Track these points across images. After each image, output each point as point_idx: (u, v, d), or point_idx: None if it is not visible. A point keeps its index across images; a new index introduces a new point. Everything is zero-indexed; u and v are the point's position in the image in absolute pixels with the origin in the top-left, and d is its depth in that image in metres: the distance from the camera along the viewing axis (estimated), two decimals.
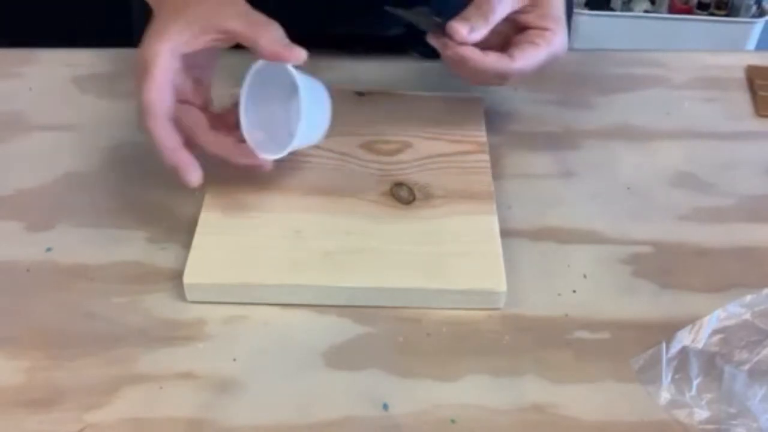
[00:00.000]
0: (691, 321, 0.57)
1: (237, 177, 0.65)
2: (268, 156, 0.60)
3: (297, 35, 0.58)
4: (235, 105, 0.60)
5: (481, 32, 0.61)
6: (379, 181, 0.66)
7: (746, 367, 0.54)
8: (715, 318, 0.57)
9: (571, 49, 0.66)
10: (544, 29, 0.63)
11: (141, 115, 0.56)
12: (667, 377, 0.54)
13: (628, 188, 0.68)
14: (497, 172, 0.67)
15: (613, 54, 0.83)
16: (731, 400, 0.53)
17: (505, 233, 0.62)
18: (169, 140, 0.57)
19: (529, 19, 0.63)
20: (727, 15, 1.96)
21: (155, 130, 0.56)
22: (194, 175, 0.58)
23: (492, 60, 0.61)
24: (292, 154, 0.61)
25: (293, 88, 0.58)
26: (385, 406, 0.53)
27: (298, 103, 0.58)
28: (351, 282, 0.58)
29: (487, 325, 0.58)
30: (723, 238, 0.64)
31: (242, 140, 0.60)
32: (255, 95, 0.61)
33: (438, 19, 0.62)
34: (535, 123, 0.74)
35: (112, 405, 0.53)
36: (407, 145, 0.69)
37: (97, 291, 0.59)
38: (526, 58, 0.62)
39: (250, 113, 0.61)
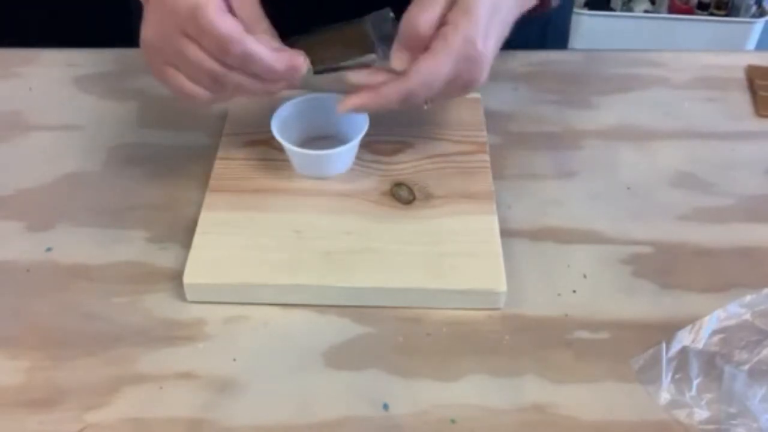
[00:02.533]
0: (691, 321, 0.57)
1: (238, 175, 0.65)
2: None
3: (296, 33, 0.58)
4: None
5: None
6: (379, 181, 0.66)
7: (746, 367, 0.54)
8: (715, 318, 0.57)
9: (571, 49, 0.65)
10: (444, 25, 0.55)
11: (190, 19, 0.53)
12: (667, 377, 0.54)
13: (628, 188, 0.68)
14: (497, 172, 0.67)
15: (613, 54, 0.83)
16: (731, 400, 0.53)
17: (505, 233, 0.62)
18: (236, 27, 0.53)
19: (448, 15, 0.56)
20: (727, 15, 1.96)
21: (216, 22, 0.52)
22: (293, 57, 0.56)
23: (389, 91, 0.57)
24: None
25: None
26: (385, 406, 0.53)
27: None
28: (351, 282, 0.58)
29: (487, 325, 0.58)
30: (723, 238, 0.64)
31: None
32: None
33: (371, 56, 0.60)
34: (535, 123, 0.74)
35: (112, 405, 0.53)
36: (407, 145, 0.69)
37: (97, 291, 0.59)
38: (421, 72, 0.56)
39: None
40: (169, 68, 0.56)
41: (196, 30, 0.53)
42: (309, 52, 0.57)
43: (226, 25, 0.53)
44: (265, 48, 0.55)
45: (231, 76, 0.55)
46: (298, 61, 0.56)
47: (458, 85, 0.57)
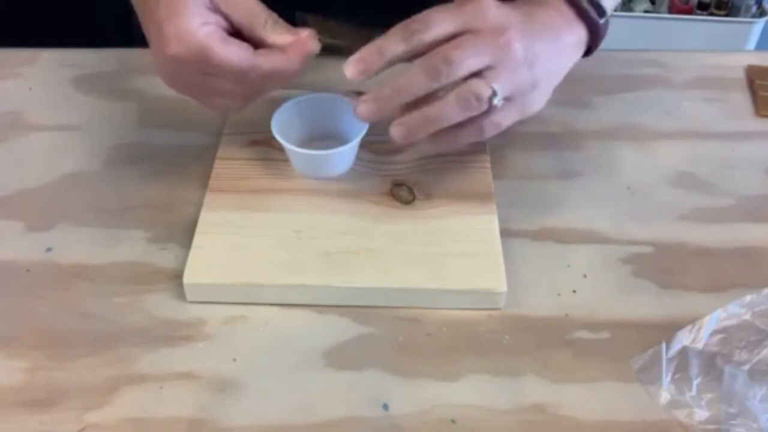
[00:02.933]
0: (691, 321, 0.57)
1: (238, 175, 0.65)
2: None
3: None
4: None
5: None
6: (379, 181, 0.66)
7: (746, 367, 0.54)
8: (715, 318, 0.57)
9: None
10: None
11: (201, 61, 0.55)
12: (667, 377, 0.54)
13: (629, 188, 0.68)
14: (497, 172, 0.67)
15: (613, 54, 0.83)
16: (731, 400, 0.53)
17: (505, 233, 0.62)
18: (241, 53, 0.55)
19: None
20: (727, 15, 1.96)
21: (226, 56, 0.54)
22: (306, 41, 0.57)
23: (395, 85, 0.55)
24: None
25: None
26: (385, 406, 0.53)
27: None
28: (351, 282, 0.58)
29: (487, 325, 0.58)
30: (723, 238, 0.64)
31: None
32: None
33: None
34: (535, 123, 0.74)
35: (112, 405, 0.53)
36: (407, 145, 0.69)
37: (97, 291, 0.59)
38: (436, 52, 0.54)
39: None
40: (200, 86, 0.58)
41: (211, 68, 0.55)
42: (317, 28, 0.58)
43: (236, 56, 0.55)
44: (278, 56, 0.56)
45: (256, 86, 0.58)
46: (310, 45, 0.57)
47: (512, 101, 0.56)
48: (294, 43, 0.57)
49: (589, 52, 0.62)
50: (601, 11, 0.60)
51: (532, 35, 0.57)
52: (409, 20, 0.55)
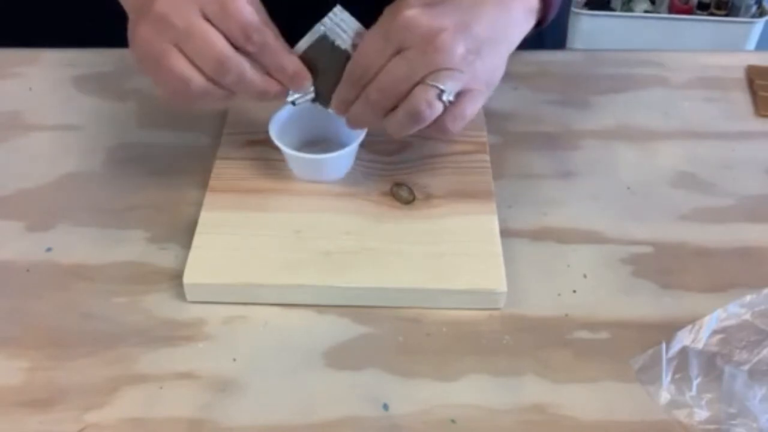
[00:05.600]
0: (691, 321, 0.57)
1: (238, 175, 0.65)
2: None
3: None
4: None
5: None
6: (379, 181, 0.66)
7: (746, 367, 0.54)
8: (715, 318, 0.57)
9: (570, 49, 0.65)
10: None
11: (215, 2, 0.54)
12: (667, 377, 0.54)
13: (628, 188, 0.68)
14: (497, 172, 0.67)
15: (613, 54, 0.83)
16: (731, 400, 0.53)
17: (505, 233, 0.62)
18: (259, 18, 0.55)
19: None
20: (727, 15, 1.96)
21: (244, 8, 0.54)
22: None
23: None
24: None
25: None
26: (385, 406, 0.53)
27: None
28: (351, 282, 0.58)
29: (487, 325, 0.58)
30: (723, 238, 0.64)
31: None
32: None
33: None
34: (535, 123, 0.74)
35: (112, 405, 0.53)
36: (407, 145, 0.69)
37: (97, 291, 0.59)
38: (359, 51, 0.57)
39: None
40: (171, 48, 0.55)
41: (221, 12, 0.54)
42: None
43: (252, 12, 0.54)
44: (282, 45, 0.56)
45: (238, 61, 0.55)
46: (304, 76, 0.58)
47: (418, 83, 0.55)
48: (298, 62, 0.58)
49: (541, 22, 0.63)
50: None
51: (471, 18, 0.56)
52: (349, 68, 0.57)
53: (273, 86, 0.57)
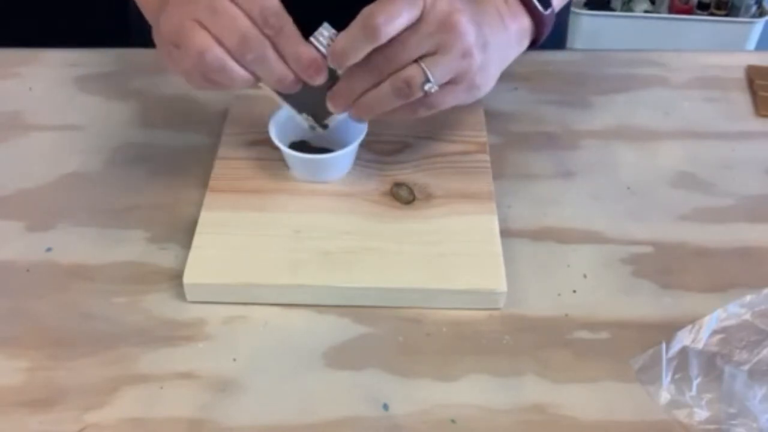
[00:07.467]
0: (691, 321, 0.57)
1: (238, 175, 0.65)
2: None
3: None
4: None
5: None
6: (379, 181, 0.66)
7: (746, 367, 0.54)
8: (715, 318, 0.57)
9: (570, 49, 0.66)
10: None
11: None
12: (667, 377, 0.54)
13: (628, 188, 0.68)
14: (497, 172, 0.67)
15: (612, 54, 0.83)
16: (731, 400, 0.53)
17: (505, 233, 0.62)
18: (280, 3, 0.54)
19: None
20: (727, 15, 1.96)
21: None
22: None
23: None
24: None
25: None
26: (385, 406, 0.53)
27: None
28: (351, 282, 0.58)
29: (487, 325, 0.58)
30: (723, 238, 0.64)
31: None
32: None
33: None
34: (535, 123, 0.74)
35: (112, 405, 0.53)
36: (407, 145, 0.69)
37: (96, 291, 0.59)
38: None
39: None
40: (194, 23, 0.54)
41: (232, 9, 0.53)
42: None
43: None
44: (298, 35, 0.55)
45: (261, 39, 0.54)
46: (318, 67, 0.56)
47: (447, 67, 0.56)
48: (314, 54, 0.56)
49: (534, 43, 0.64)
50: (546, 3, 0.62)
51: (481, 20, 0.58)
52: (369, 11, 0.54)
53: (289, 74, 0.57)
